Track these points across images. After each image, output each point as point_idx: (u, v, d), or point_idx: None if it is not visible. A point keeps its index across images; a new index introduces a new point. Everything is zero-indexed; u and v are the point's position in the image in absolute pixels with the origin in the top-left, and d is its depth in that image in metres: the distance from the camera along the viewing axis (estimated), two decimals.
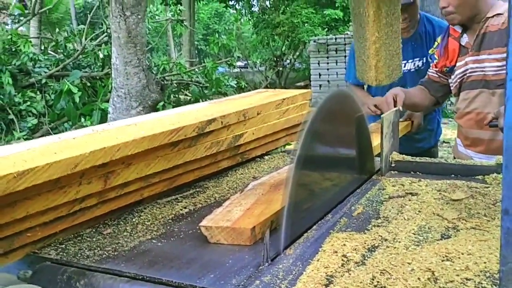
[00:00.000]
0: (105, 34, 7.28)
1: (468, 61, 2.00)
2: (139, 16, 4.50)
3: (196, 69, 8.62)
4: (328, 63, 10.91)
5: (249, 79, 14.13)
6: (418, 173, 1.58)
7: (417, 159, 1.65)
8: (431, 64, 2.25)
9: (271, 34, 13.63)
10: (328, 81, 10.81)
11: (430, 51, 2.30)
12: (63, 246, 1.14)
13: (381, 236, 1.07)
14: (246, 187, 1.42)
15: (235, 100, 1.93)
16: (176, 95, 8.28)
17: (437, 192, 1.36)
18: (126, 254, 1.08)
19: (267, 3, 15.01)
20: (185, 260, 1.03)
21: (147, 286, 0.95)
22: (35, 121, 6.52)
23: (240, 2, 15.97)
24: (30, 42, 7.23)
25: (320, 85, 10.86)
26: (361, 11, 1.45)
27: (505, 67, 0.62)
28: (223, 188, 1.55)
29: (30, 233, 1.09)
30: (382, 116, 1.54)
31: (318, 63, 10.98)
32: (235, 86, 9.16)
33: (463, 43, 2.04)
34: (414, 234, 1.08)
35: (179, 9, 9.39)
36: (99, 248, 1.12)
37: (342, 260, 0.96)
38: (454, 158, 2.20)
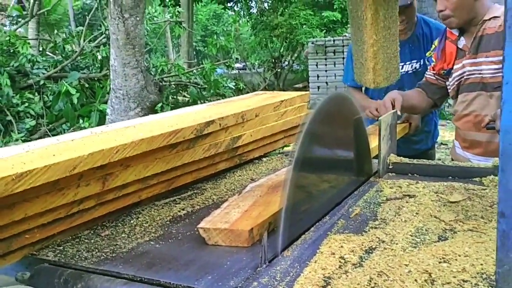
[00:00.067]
0: (104, 35, 7.28)
1: (465, 64, 2.01)
2: (138, 18, 4.50)
3: (195, 71, 8.65)
4: (326, 65, 10.89)
5: (247, 81, 14.12)
6: (415, 175, 1.58)
7: (415, 161, 1.65)
8: (428, 67, 2.25)
9: (269, 36, 13.64)
10: (326, 83, 10.81)
11: (427, 54, 2.30)
12: (61, 248, 1.15)
13: (379, 238, 1.07)
14: (244, 189, 1.42)
15: (233, 102, 1.93)
16: (175, 97, 8.30)
17: (434, 194, 1.37)
18: (124, 256, 1.08)
19: (266, 4, 15.03)
20: (183, 262, 1.03)
21: None
22: (33, 122, 6.51)
23: (238, 4, 15.98)
24: (28, 43, 7.24)
25: (318, 87, 10.85)
26: (359, 14, 1.45)
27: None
28: (221, 190, 1.55)
29: (28, 235, 1.09)
30: (379, 118, 1.55)
31: (316, 65, 10.97)
32: (233, 87, 9.19)
33: (460, 46, 2.04)
34: (412, 236, 1.08)
35: (178, 11, 9.41)
36: (97, 250, 1.12)
37: (340, 261, 0.96)
38: (452, 160, 2.20)
